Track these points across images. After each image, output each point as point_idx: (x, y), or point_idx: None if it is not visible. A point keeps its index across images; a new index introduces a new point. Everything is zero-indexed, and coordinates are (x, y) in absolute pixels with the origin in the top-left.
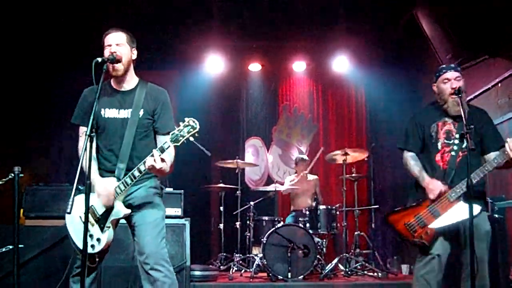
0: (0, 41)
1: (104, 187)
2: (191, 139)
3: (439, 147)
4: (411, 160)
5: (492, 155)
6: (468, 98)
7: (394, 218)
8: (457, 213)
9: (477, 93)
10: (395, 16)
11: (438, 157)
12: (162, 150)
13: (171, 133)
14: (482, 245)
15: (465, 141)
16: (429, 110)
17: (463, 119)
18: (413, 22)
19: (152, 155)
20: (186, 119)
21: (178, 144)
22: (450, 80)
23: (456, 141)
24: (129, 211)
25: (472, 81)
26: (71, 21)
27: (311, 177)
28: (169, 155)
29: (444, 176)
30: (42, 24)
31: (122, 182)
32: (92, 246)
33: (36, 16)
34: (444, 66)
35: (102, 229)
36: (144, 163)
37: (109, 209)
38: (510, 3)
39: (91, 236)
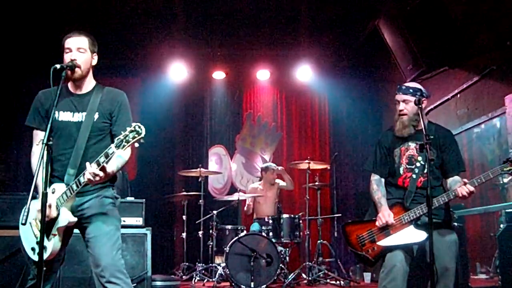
0: None
1: (48, 203)
2: (136, 145)
3: (401, 172)
4: (374, 184)
5: (450, 181)
6: (428, 109)
7: (350, 229)
8: (405, 236)
9: (436, 104)
10: (358, 26)
11: (400, 181)
12: (107, 156)
13: (116, 138)
14: (449, 256)
15: (425, 152)
16: (391, 134)
17: (424, 129)
18: (376, 33)
19: (90, 166)
20: (133, 124)
21: (123, 149)
22: (399, 102)
23: (418, 164)
24: (75, 219)
25: (432, 92)
26: (32, 25)
27: (281, 183)
28: (120, 159)
29: (404, 198)
30: (4, 28)
31: (69, 189)
32: (39, 254)
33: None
34: (398, 86)
35: (48, 237)
36: (83, 175)
37: (55, 217)
38: (469, 17)
39: (38, 243)
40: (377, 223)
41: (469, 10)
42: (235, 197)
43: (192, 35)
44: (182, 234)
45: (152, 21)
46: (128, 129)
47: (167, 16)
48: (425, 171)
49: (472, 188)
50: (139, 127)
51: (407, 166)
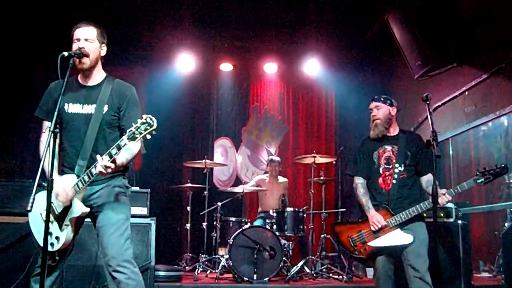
0: None
1: (62, 187)
2: (148, 136)
3: (381, 171)
4: (361, 188)
5: (425, 180)
6: (435, 105)
7: (340, 229)
8: (393, 238)
9: (444, 101)
10: (367, 20)
11: (380, 180)
12: (119, 148)
13: (128, 131)
14: (419, 249)
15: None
16: (370, 139)
17: (431, 125)
18: (385, 28)
19: (102, 159)
20: (144, 116)
21: (135, 141)
22: (372, 109)
23: (398, 166)
24: (87, 209)
25: (440, 88)
26: (39, 14)
27: (281, 179)
28: (130, 152)
29: (387, 198)
30: (8, 16)
31: (80, 180)
32: (52, 244)
33: (2, 8)
34: (371, 98)
35: (61, 227)
36: (95, 167)
37: (68, 207)
38: (478, 14)
39: (50, 234)
40: (372, 228)
41: (479, 7)
42: (239, 189)
43: (200, 27)
44: (186, 225)
45: (160, 12)
46: (140, 121)
47: (175, 6)
48: (402, 169)
49: (450, 198)
50: (151, 119)
51: (385, 166)
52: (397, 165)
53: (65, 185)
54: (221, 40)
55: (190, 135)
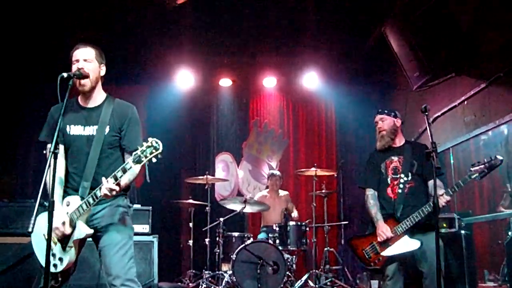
0: None
1: (61, 221)
2: (154, 160)
3: (389, 181)
4: (370, 199)
5: (431, 183)
6: (435, 116)
7: (356, 243)
8: (402, 245)
9: (443, 111)
10: (364, 33)
11: (389, 190)
12: (124, 171)
13: (133, 154)
14: (431, 260)
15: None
16: (377, 151)
17: (430, 135)
18: (382, 40)
19: (107, 181)
20: (150, 139)
21: (140, 165)
22: (377, 122)
23: (404, 176)
24: (91, 231)
25: (439, 99)
26: (40, 35)
27: (282, 192)
28: (131, 173)
29: (394, 207)
30: (10, 37)
31: (85, 202)
32: (55, 265)
33: (4, 29)
34: (377, 110)
35: (64, 249)
36: (99, 189)
37: (72, 228)
38: (476, 24)
39: (53, 255)
40: (379, 239)
41: (476, 17)
42: (241, 204)
43: (199, 43)
44: (189, 241)
45: (159, 29)
46: (145, 144)
47: (174, 23)
48: (409, 178)
49: (448, 198)
50: (157, 142)
51: (393, 176)
52: (402, 175)
53: (64, 219)
54: (220, 55)
55: (191, 151)
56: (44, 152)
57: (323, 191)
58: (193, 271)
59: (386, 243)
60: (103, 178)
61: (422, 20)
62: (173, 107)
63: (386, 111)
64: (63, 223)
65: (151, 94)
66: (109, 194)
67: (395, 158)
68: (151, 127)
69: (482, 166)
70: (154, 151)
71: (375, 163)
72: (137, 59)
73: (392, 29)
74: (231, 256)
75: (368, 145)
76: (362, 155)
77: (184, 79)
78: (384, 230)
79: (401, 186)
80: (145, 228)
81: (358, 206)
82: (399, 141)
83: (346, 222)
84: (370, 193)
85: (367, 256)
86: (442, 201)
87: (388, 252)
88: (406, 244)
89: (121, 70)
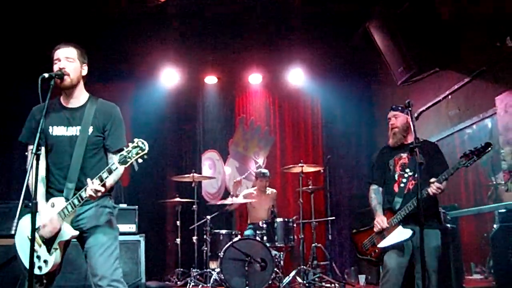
0: None
1: (49, 218)
2: (140, 160)
3: (396, 177)
4: (372, 193)
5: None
6: (420, 110)
7: (357, 238)
8: (397, 235)
9: (428, 105)
10: (349, 29)
11: (395, 186)
12: (110, 172)
13: (119, 155)
14: (430, 259)
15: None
16: (387, 148)
17: (413, 131)
18: (367, 35)
19: (92, 183)
20: (135, 140)
21: (126, 165)
22: (390, 118)
23: (408, 171)
24: (76, 233)
25: (424, 93)
26: (22, 33)
27: (269, 190)
28: (116, 175)
29: (393, 203)
30: None
31: (70, 203)
32: (39, 267)
33: None
34: (390, 107)
35: (49, 251)
36: (85, 191)
37: (57, 232)
38: (459, 18)
39: (38, 257)
40: (374, 229)
41: (459, 12)
42: (228, 201)
43: (183, 40)
44: (176, 239)
45: (143, 26)
46: (131, 145)
47: (159, 21)
48: (416, 175)
49: (438, 185)
50: (143, 143)
51: (400, 172)
52: (408, 169)
53: (52, 215)
54: (205, 52)
55: (177, 149)
56: (26, 153)
57: (310, 187)
58: (181, 269)
59: (382, 234)
60: (88, 180)
61: (406, 16)
62: (158, 105)
63: (399, 108)
64: (51, 220)
65: (136, 92)
66: (94, 195)
67: (404, 155)
68: (136, 125)
69: (471, 153)
70: (140, 151)
71: (382, 160)
72: (122, 57)
73: (375, 25)
74: (219, 254)
75: (354, 140)
76: (348, 151)
77: (169, 77)
78: (379, 220)
79: (404, 180)
80: (132, 227)
81: (345, 202)
82: (410, 138)
83: (333, 218)
84: (373, 187)
85: (364, 249)
86: (433, 189)
87: (383, 243)
88: (399, 234)
89: (106, 68)
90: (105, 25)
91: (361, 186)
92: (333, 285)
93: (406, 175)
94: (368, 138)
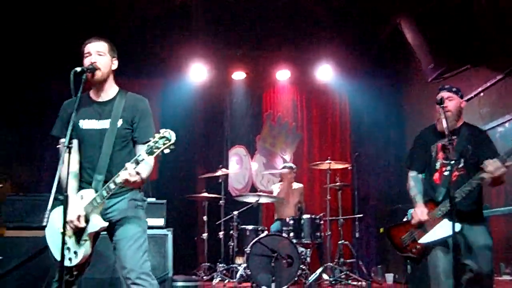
0: None
1: (76, 214)
2: (166, 151)
3: (438, 166)
4: (412, 181)
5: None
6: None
7: (394, 232)
8: (441, 229)
9: None
10: (379, 25)
11: (436, 176)
12: (137, 163)
13: (146, 145)
14: (481, 259)
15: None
16: (431, 130)
17: (446, 129)
18: (397, 32)
19: (126, 169)
20: (162, 131)
21: (153, 156)
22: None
23: (453, 159)
24: (106, 224)
25: None
26: (56, 29)
27: (296, 185)
28: (146, 166)
29: (435, 193)
30: (28, 30)
31: (99, 195)
32: (70, 259)
33: (20, 24)
34: (440, 86)
35: (79, 242)
36: (119, 176)
37: (86, 222)
38: (491, 15)
39: (68, 249)
40: (412, 221)
41: (492, 8)
42: (255, 197)
43: (211, 36)
44: (203, 234)
45: (172, 23)
46: (158, 135)
47: (187, 17)
48: (460, 165)
49: (501, 164)
50: (169, 133)
51: (443, 161)
52: (452, 157)
53: (79, 212)
54: (233, 48)
55: (205, 145)
56: (58, 146)
57: (337, 184)
58: (208, 264)
59: (424, 228)
60: (127, 164)
61: (437, 12)
62: (186, 101)
63: (454, 89)
64: (78, 217)
65: (165, 88)
66: (130, 179)
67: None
68: (164, 121)
69: None
70: (166, 142)
71: (424, 144)
72: (150, 53)
73: (407, 20)
74: (245, 249)
75: (382, 137)
76: (376, 148)
77: (197, 73)
78: (419, 211)
79: (449, 169)
80: (160, 221)
81: (372, 199)
82: (458, 123)
83: (361, 215)
84: (412, 174)
85: (404, 244)
86: (493, 167)
87: (425, 239)
88: (445, 229)
89: (134, 64)
90: (134, 21)
91: (389, 184)
92: (359, 283)
93: (450, 164)
94: (396, 136)
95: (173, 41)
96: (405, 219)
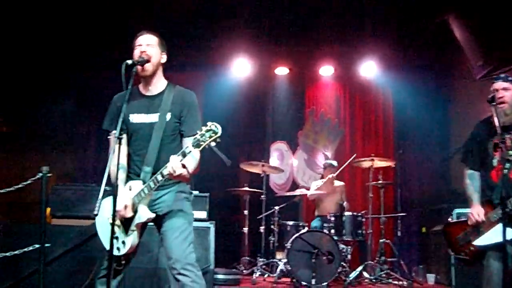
0: (30, 39)
1: (123, 204)
2: (213, 144)
3: (495, 164)
4: (467, 179)
5: None
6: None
7: (450, 230)
8: (497, 234)
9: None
10: (425, 21)
11: (493, 174)
12: (184, 155)
13: (192, 138)
14: None
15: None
16: (487, 123)
17: (498, 128)
18: (445, 28)
19: (172, 161)
20: (208, 124)
21: (200, 149)
22: (498, 90)
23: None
24: (153, 215)
25: None
26: (102, 23)
27: (338, 183)
28: (193, 159)
29: (492, 193)
30: (77, 22)
31: (146, 186)
32: (118, 248)
33: (70, 17)
34: (495, 76)
35: (127, 233)
36: (166, 168)
37: (134, 213)
38: None
39: (116, 238)
40: (468, 222)
41: None
42: (297, 192)
43: (255, 31)
44: (244, 228)
45: (216, 17)
46: (204, 128)
47: (231, 11)
48: None
49: None
50: (216, 126)
51: (501, 157)
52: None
53: (126, 202)
54: (277, 43)
55: (247, 139)
56: (108, 137)
57: (380, 181)
58: (248, 258)
59: (479, 230)
60: (171, 156)
61: (487, 8)
62: (229, 96)
63: (510, 79)
64: (125, 207)
65: (208, 82)
66: (175, 171)
67: (507, 136)
68: (207, 114)
69: None
70: (213, 134)
71: (480, 139)
72: (194, 47)
73: (455, 17)
74: (286, 245)
75: (426, 135)
76: (420, 146)
77: (240, 67)
78: (475, 212)
79: (508, 166)
80: (202, 214)
81: (415, 198)
82: None
83: (404, 214)
84: (468, 172)
85: (458, 245)
86: None
87: (480, 241)
88: (498, 233)
89: (178, 57)
90: (178, 15)
91: (432, 183)
92: (400, 282)
93: (508, 163)
94: (440, 135)
95: (217, 35)
96: (449, 220)
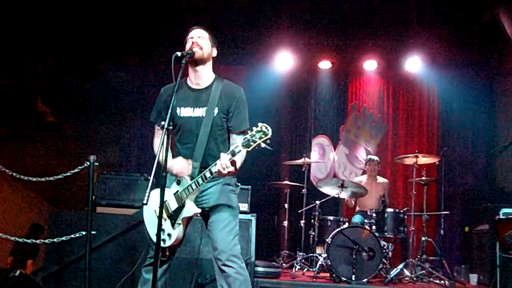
0: (83, 31)
1: (180, 165)
2: (263, 145)
3: None
4: None
5: None
6: None
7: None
8: None
9: None
10: (474, 15)
11: None
12: (233, 154)
13: (243, 138)
14: None
15: None
16: None
17: None
18: (494, 23)
19: (221, 159)
20: (259, 124)
21: (249, 149)
22: None
23: None
24: (199, 210)
25: None
26: (152, 17)
27: (381, 179)
28: (240, 157)
29: None
30: (121, 13)
31: (194, 182)
32: (163, 240)
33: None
34: None
35: (173, 225)
36: (215, 165)
37: (181, 206)
38: None
39: (162, 230)
40: None
41: None
42: (337, 189)
43: (298, 25)
44: (284, 222)
45: (259, 10)
46: (255, 129)
47: (274, 5)
48: None
49: None
50: (266, 127)
51: None
52: None
53: (170, 196)
54: (320, 38)
55: (289, 133)
56: (158, 128)
57: (423, 178)
58: (287, 252)
59: None
60: (222, 154)
61: None
62: (271, 89)
63: None
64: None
65: (250, 75)
66: (224, 169)
67: None
68: (249, 108)
69: None
70: (263, 136)
71: None
72: (237, 40)
73: (506, 11)
74: (326, 240)
75: (471, 132)
76: (465, 143)
77: (283, 61)
78: None
79: None
80: (244, 206)
81: (458, 196)
82: None
83: (447, 212)
84: None
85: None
86: None
87: None
88: None
89: (221, 50)
90: (221, 9)
91: (476, 182)
92: (442, 281)
93: None
94: (486, 132)
95: (260, 29)
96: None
